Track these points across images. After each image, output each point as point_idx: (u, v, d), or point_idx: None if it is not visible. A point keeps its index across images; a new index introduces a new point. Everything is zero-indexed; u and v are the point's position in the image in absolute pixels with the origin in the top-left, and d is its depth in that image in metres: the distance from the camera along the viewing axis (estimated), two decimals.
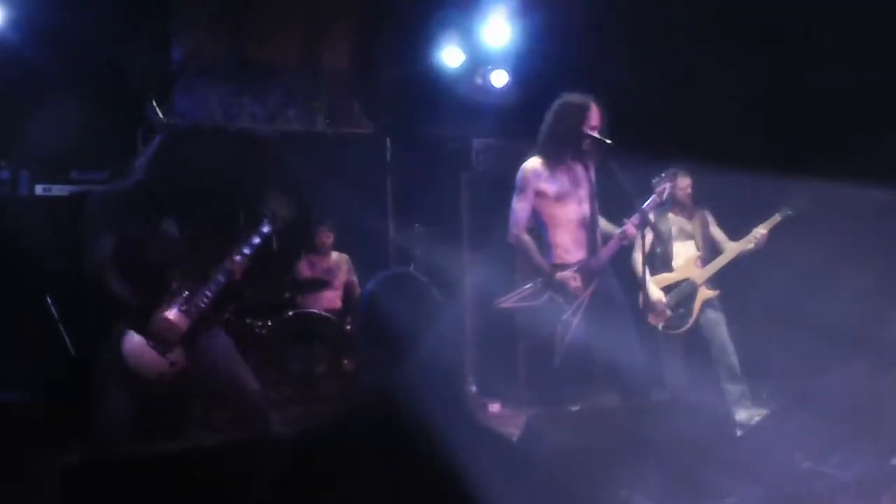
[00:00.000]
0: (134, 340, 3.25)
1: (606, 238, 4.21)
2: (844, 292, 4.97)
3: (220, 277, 3.42)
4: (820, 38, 5.47)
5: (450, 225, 6.36)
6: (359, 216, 6.05)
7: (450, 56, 6.61)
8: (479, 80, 6.61)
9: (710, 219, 5.27)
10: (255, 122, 6.49)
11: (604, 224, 4.29)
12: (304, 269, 6.20)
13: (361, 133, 6.86)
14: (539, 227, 4.23)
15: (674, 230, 5.20)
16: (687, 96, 5.69)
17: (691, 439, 2.93)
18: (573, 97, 4.13)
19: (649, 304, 4.94)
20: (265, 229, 3.59)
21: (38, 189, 5.29)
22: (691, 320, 5.07)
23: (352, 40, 6.81)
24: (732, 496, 3.00)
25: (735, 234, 5.18)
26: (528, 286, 4.15)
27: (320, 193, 5.77)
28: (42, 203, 5.29)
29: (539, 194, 4.15)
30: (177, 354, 3.32)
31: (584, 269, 4.11)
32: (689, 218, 5.24)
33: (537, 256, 4.13)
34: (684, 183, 5.15)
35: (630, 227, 4.09)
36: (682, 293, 5.08)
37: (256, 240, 3.55)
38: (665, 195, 4.29)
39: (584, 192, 4.17)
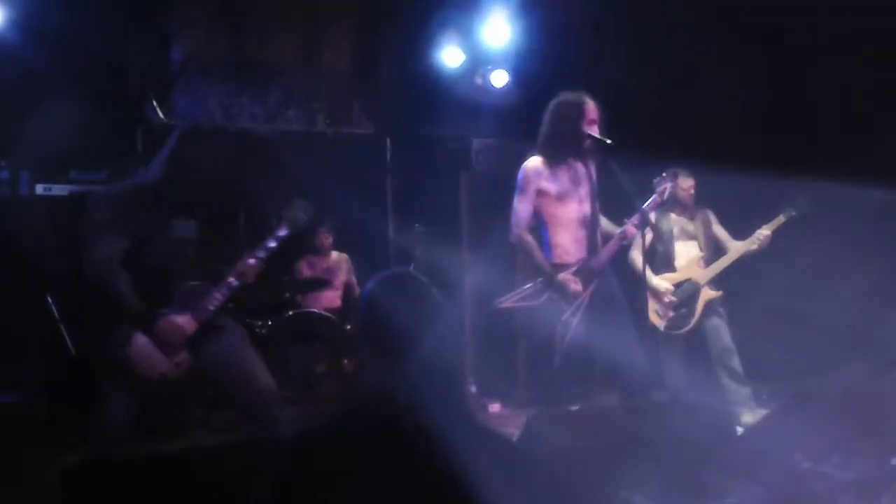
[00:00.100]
0: (140, 341, 3.22)
1: (607, 238, 4.21)
2: (844, 292, 4.97)
3: (232, 280, 3.38)
4: (820, 38, 5.47)
5: (450, 225, 6.36)
6: (359, 216, 6.04)
7: (450, 56, 6.61)
8: (479, 80, 6.62)
9: (713, 218, 5.26)
10: (254, 123, 6.49)
11: (605, 223, 4.29)
12: (304, 270, 6.20)
13: (361, 133, 6.86)
14: (539, 226, 4.22)
15: (676, 230, 5.19)
16: (687, 96, 5.69)
17: (691, 439, 2.93)
18: (568, 95, 4.13)
19: (655, 294, 4.93)
20: (282, 233, 3.53)
21: (39, 189, 5.29)
22: (693, 321, 5.06)
23: (352, 40, 6.81)
24: (732, 496, 3.00)
25: (736, 234, 5.18)
26: (528, 286, 4.15)
27: (320, 194, 5.76)
28: (42, 203, 5.28)
29: (540, 193, 4.14)
30: (182, 356, 3.29)
31: (585, 269, 4.10)
32: (692, 218, 5.23)
33: (539, 256, 4.13)
34: (687, 183, 5.14)
35: (630, 226, 4.09)
36: (684, 293, 5.07)
37: (272, 243, 3.49)
38: (666, 195, 4.29)
39: (584, 191, 4.17)
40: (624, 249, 4.26)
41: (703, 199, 5.25)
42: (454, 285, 5.96)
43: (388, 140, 6.78)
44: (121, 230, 3.23)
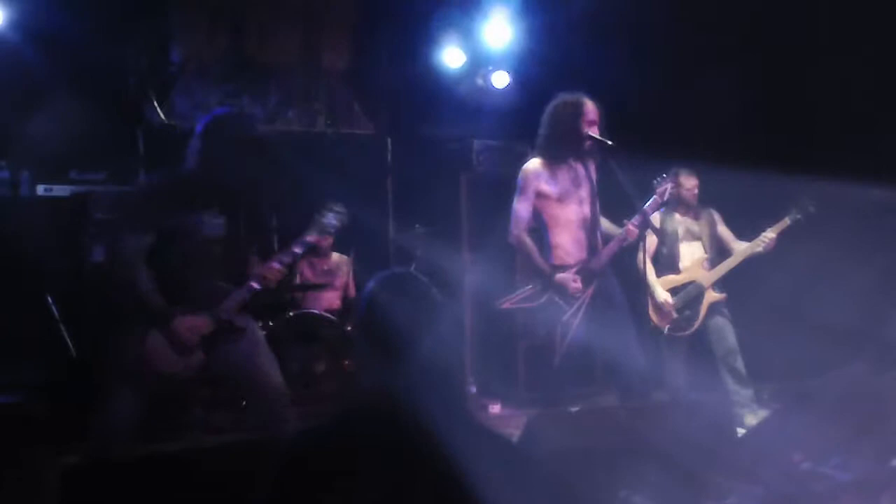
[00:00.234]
0: (155, 339, 3.18)
1: (608, 238, 4.21)
2: (845, 292, 4.96)
3: (255, 284, 3.33)
4: (820, 37, 5.46)
5: (450, 225, 6.36)
6: (359, 217, 6.03)
7: (451, 57, 6.61)
8: (479, 81, 6.62)
9: (718, 218, 5.24)
10: None
11: (606, 224, 4.28)
12: (305, 271, 6.20)
13: (362, 134, 6.86)
14: (540, 227, 4.22)
15: (680, 231, 5.16)
16: (687, 96, 5.69)
17: (691, 440, 2.93)
18: (567, 96, 4.13)
19: (655, 306, 4.93)
20: (310, 238, 3.48)
21: (40, 189, 5.28)
22: (697, 323, 5.04)
23: (352, 40, 6.81)
24: (732, 497, 3.00)
25: (737, 233, 5.18)
26: (528, 287, 4.15)
27: (321, 194, 5.75)
28: (43, 203, 5.28)
29: (540, 195, 4.14)
30: (195, 356, 3.25)
31: (585, 270, 4.10)
32: (696, 218, 5.20)
33: (538, 257, 4.13)
34: (691, 183, 5.11)
35: (631, 228, 4.09)
36: (688, 295, 5.04)
37: (299, 249, 3.44)
38: (666, 196, 4.28)
39: (585, 192, 4.17)
40: (624, 250, 4.25)
41: (704, 199, 5.25)
42: (454, 286, 5.95)
43: (389, 140, 6.78)
44: (147, 226, 3.18)
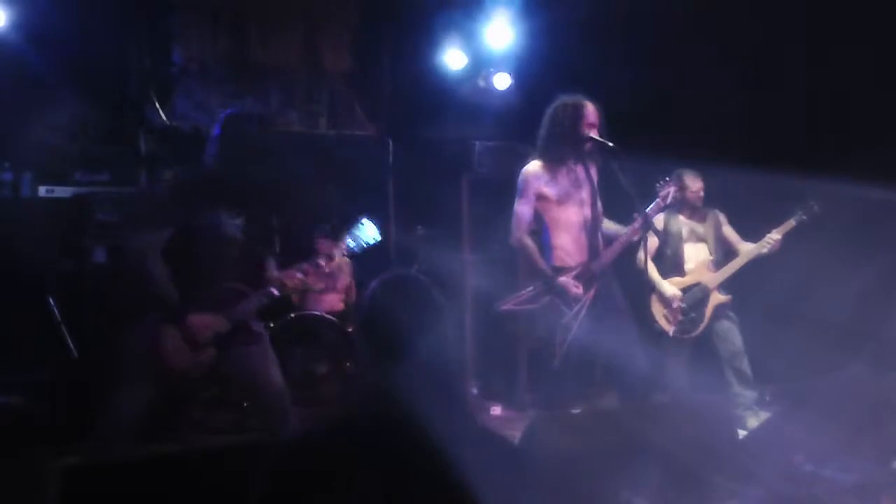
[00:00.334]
0: (168, 332, 3.18)
1: (611, 239, 4.20)
2: (846, 293, 4.96)
3: (273, 290, 3.34)
4: (820, 37, 5.46)
5: (451, 227, 6.35)
6: (360, 218, 6.02)
7: (452, 58, 6.61)
8: (481, 83, 6.61)
9: (723, 219, 5.22)
10: None
11: (608, 225, 4.28)
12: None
13: (363, 135, 6.85)
14: (541, 229, 4.22)
15: (685, 232, 5.14)
16: (688, 97, 5.69)
17: (693, 442, 2.93)
18: (567, 98, 4.12)
19: (663, 303, 4.91)
20: (345, 250, 3.54)
21: (42, 190, 5.29)
22: (702, 325, 5.02)
23: (353, 42, 6.81)
24: (734, 498, 3.00)
25: (740, 233, 5.17)
26: (529, 289, 4.15)
27: (322, 195, 5.76)
28: (45, 204, 5.28)
29: (540, 197, 4.14)
30: (206, 355, 3.24)
31: (586, 272, 4.10)
32: (702, 220, 5.18)
33: (539, 259, 4.13)
34: (696, 186, 5.09)
35: (633, 230, 4.09)
36: (693, 297, 5.02)
37: (322, 261, 3.48)
38: (669, 199, 4.27)
39: (585, 194, 4.16)
40: (626, 252, 4.25)
41: (709, 200, 5.23)
42: (456, 287, 5.95)
43: (390, 142, 6.78)
44: (167, 220, 3.19)
